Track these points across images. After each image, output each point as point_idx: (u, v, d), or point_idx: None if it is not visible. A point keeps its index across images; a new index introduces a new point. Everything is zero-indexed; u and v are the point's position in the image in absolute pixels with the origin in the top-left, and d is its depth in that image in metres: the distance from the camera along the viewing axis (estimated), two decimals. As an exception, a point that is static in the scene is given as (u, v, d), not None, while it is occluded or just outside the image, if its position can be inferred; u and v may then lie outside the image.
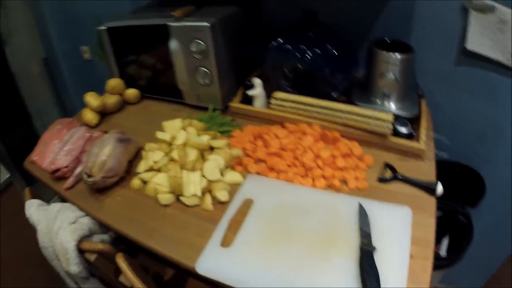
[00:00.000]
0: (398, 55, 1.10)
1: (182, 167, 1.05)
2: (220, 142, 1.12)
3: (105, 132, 1.24)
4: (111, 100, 1.35)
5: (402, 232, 0.85)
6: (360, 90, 1.22)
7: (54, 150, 1.20)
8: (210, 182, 1.03)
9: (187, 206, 1.00)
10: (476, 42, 1.10)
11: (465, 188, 1.35)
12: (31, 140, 1.44)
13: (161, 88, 1.40)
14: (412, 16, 1.21)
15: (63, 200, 1.15)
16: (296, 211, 0.93)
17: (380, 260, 0.78)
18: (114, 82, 1.38)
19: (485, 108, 1.21)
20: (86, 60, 2.12)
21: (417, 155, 1.06)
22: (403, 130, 1.08)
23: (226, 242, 0.89)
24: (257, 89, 1.26)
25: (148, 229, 0.95)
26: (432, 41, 1.21)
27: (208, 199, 1.00)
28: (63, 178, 1.13)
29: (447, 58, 1.22)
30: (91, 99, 1.30)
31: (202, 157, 1.09)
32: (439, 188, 0.95)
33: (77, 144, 1.18)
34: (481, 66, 1.16)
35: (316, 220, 0.90)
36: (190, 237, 0.92)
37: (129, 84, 1.41)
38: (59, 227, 1.03)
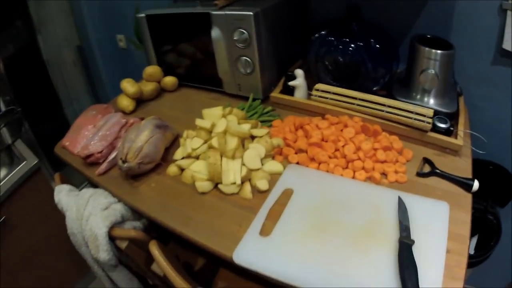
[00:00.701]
0: (438, 52, 1.06)
1: (222, 154, 1.02)
2: (261, 131, 1.09)
3: (142, 118, 1.21)
4: (148, 87, 1.32)
5: (440, 227, 0.82)
6: (400, 85, 1.19)
7: (88, 135, 1.18)
8: (250, 170, 1.00)
9: (225, 194, 0.97)
10: None
11: (495, 187, 1.30)
12: (60, 127, 1.42)
13: (200, 76, 1.37)
14: (452, 15, 1.18)
15: (94, 186, 1.12)
16: (336, 203, 0.90)
17: (418, 253, 0.75)
18: (152, 70, 1.35)
19: None
20: (121, 49, 2.10)
21: (454, 151, 1.03)
22: (442, 125, 1.04)
23: (264, 231, 0.86)
24: (299, 80, 1.23)
25: (184, 216, 0.92)
26: (470, 41, 1.18)
27: (247, 188, 0.97)
28: (96, 163, 1.11)
29: (485, 58, 1.19)
30: (128, 85, 1.28)
31: (243, 145, 1.06)
32: (475, 185, 0.91)
33: (112, 130, 1.16)
34: None
35: (356, 212, 0.87)
36: (227, 225, 0.89)
37: (167, 72, 1.39)
38: (90, 213, 1.00)
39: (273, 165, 1.03)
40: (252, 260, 0.79)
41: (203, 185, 0.98)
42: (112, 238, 0.97)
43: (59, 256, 1.70)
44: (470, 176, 0.95)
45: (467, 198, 0.91)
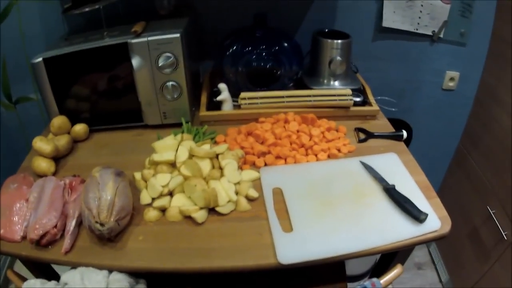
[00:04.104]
0: (340, 41, 1.34)
1: (205, 179, 1.05)
2: (221, 147, 1.14)
3: (76, 176, 1.10)
4: (62, 141, 1.18)
5: (401, 170, 1.10)
6: (309, 76, 1.43)
7: (24, 214, 0.99)
8: (234, 185, 1.06)
9: (224, 214, 1.00)
10: (390, 19, 1.44)
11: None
12: None
13: (115, 115, 1.30)
14: (336, 7, 1.47)
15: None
16: (320, 183, 1.08)
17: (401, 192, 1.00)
18: (60, 120, 1.21)
19: (401, 69, 1.58)
20: None
21: (373, 116, 1.33)
22: (358, 99, 1.32)
23: (286, 228, 0.95)
24: (225, 93, 1.32)
25: (200, 252, 0.91)
26: (354, 26, 1.48)
27: (243, 200, 1.03)
28: (52, 242, 0.95)
29: (367, 37, 1.53)
30: (42, 144, 1.12)
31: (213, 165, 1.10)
32: (405, 134, 1.23)
33: (55, 195, 1.01)
34: (394, 38, 1.51)
35: (340, 183, 1.07)
36: (249, 239, 0.94)
37: (72, 120, 1.25)
38: (96, 298, 0.87)
39: (250, 174, 1.12)
40: (296, 255, 0.89)
41: (201, 215, 0.98)
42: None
43: None
44: (392, 130, 1.27)
45: (402, 145, 1.22)
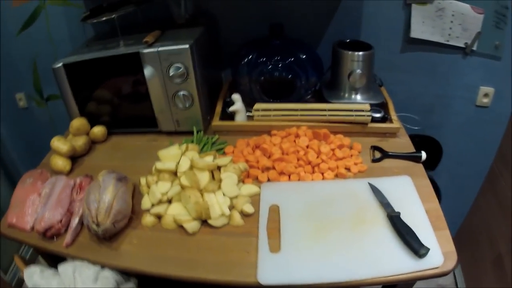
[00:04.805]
0: (361, 53, 1.30)
1: (201, 191, 1.08)
2: (224, 160, 1.16)
3: (88, 176, 1.18)
4: (79, 142, 1.28)
5: (411, 196, 1.04)
6: (328, 89, 1.41)
7: (36, 206, 1.11)
8: (231, 199, 1.08)
9: (216, 228, 1.02)
10: (419, 30, 1.37)
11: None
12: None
13: (131, 120, 1.37)
14: (361, 18, 1.44)
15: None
16: (321, 204, 1.05)
17: (406, 221, 0.94)
18: (79, 122, 1.31)
19: (430, 83, 1.51)
20: (22, 109, 1.93)
21: (393, 133, 1.27)
22: (377, 115, 1.27)
23: (274, 248, 0.95)
24: (238, 104, 1.34)
25: (186, 262, 0.95)
26: (379, 36, 1.44)
27: (237, 215, 1.04)
28: (57, 235, 1.05)
29: (394, 48, 1.48)
30: (60, 143, 1.22)
31: (213, 177, 1.13)
32: (424, 155, 1.17)
33: (64, 194, 1.11)
34: (423, 50, 1.44)
35: (342, 206, 1.03)
36: (235, 255, 0.95)
37: (92, 122, 1.35)
38: (83, 290, 0.95)
39: (249, 188, 1.12)
40: (278, 277, 0.88)
41: (192, 226, 1.01)
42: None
43: None
44: (413, 150, 1.21)
45: (419, 167, 1.16)
